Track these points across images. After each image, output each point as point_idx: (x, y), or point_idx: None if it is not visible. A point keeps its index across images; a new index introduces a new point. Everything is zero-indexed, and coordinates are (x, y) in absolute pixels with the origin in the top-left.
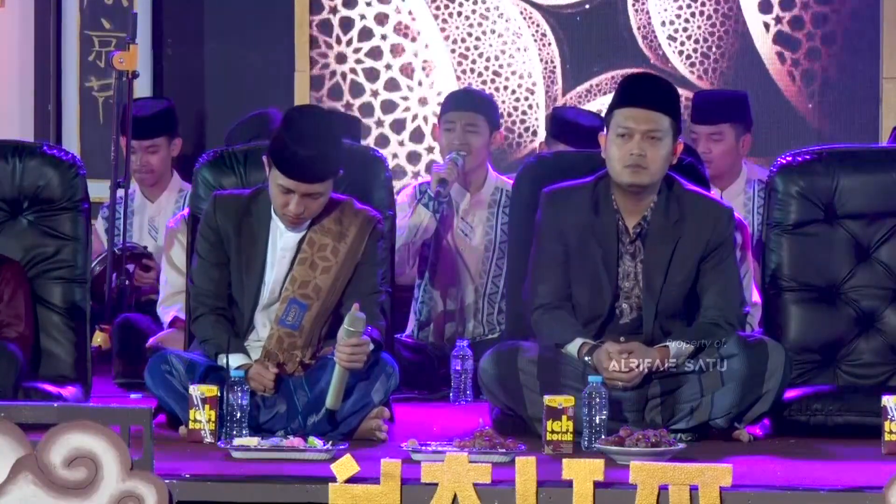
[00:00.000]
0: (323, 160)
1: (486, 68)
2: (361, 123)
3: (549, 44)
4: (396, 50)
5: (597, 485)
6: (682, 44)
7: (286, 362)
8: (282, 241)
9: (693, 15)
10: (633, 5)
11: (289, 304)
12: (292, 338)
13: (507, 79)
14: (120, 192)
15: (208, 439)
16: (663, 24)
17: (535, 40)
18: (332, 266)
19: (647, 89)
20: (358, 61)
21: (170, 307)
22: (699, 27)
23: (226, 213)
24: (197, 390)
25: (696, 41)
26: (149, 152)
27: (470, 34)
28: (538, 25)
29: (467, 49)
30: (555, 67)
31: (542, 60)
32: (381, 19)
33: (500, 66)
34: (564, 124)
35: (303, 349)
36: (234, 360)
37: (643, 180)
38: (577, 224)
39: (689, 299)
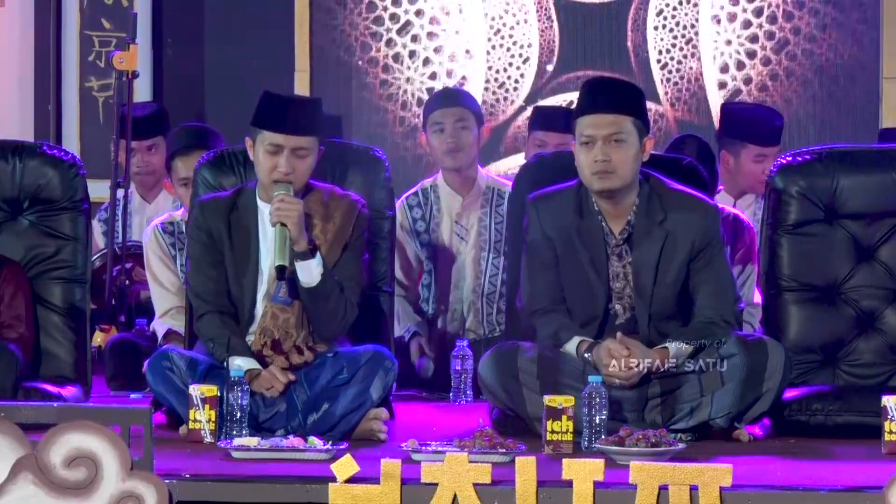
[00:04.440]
0: (308, 112)
1: (492, 28)
2: (342, 121)
3: (552, 26)
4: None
5: (597, 485)
6: (670, 70)
7: (283, 340)
8: (272, 229)
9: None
10: (632, 26)
11: (279, 281)
12: (286, 314)
13: (504, 39)
14: (120, 192)
15: (208, 439)
16: (660, 53)
17: (540, 21)
18: (322, 244)
19: (605, 93)
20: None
21: (165, 324)
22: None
23: (213, 214)
24: (197, 390)
25: (686, 78)
26: (150, 152)
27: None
28: (546, 10)
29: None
30: (553, 49)
31: (542, 39)
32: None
33: (503, 25)
34: (543, 113)
35: (297, 328)
36: (244, 363)
37: (613, 184)
38: (563, 228)
39: (681, 300)
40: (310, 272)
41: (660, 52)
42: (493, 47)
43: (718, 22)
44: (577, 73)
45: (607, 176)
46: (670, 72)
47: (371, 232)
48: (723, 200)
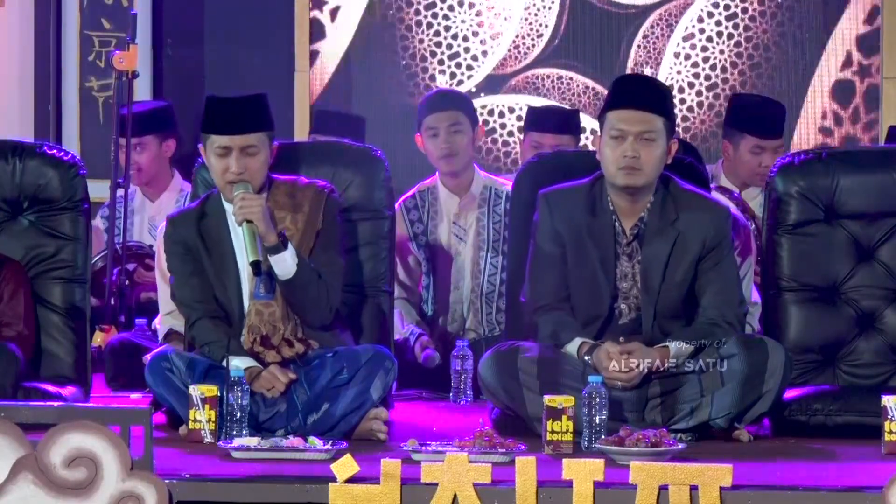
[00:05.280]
0: (252, 110)
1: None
2: (365, 123)
3: (551, 8)
4: None
5: (597, 485)
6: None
7: (271, 335)
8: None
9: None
10: (642, 40)
11: (257, 278)
12: (270, 308)
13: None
14: (120, 192)
15: (208, 439)
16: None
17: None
18: (295, 234)
19: (640, 90)
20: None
21: (167, 324)
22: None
23: (184, 226)
24: (197, 390)
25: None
26: (135, 151)
27: None
28: None
29: None
30: (542, 34)
31: (532, 19)
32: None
33: None
34: (538, 114)
35: (283, 321)
36: (242, 363)
37: (638, 182)
38: (574, 225)
39: (687, 300)
40: (284, 264)
41: (670, 87)
42: (461, 3)
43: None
44: (556, 72)
45: (634, 173)
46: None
47: (370, 231)
48: (726, 187)
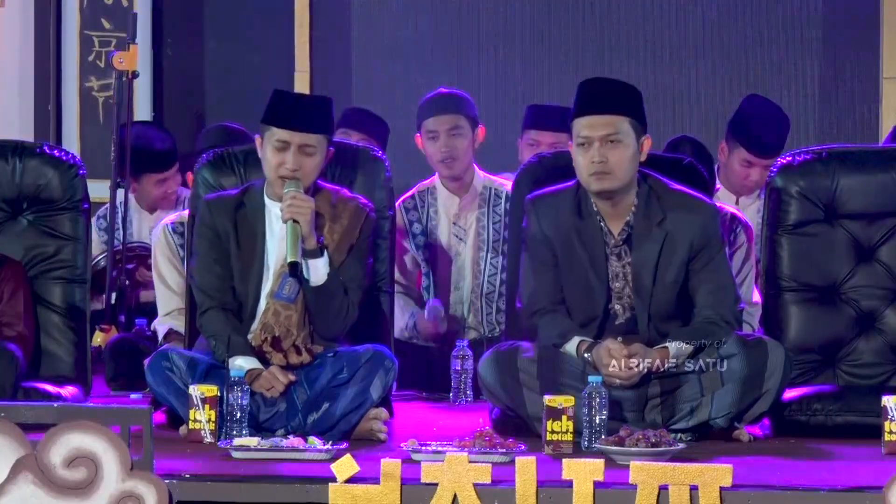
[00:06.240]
0: (317, 111)
1: None
2: (389, 130)
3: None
4: None
5: (597, 485)
6: None
7: (283, 338)
8: (279, 225)
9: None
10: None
11: (284, 278)
12: (288, 311)
13: None
14: (120, 193)
15: (208, 439)
16: None
17: None
18: (329, 244)
19: (600, 94)
20: None
21: (167, 324)
22: None
23: (221, 212)
24: (197, 390)
25: None
26: (165, 184)
27: None
28: None
29: None
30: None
31: None
32: None
33: None
34: (536, 111)
35: (298, 327)
36: (246, 363)
37: (610, 185)
38: (562, 229)
39: (681, 300)
40: (317, 270)
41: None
42: None
43: None
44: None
45: (605, 177)
46: None
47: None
48: (724, 198)
